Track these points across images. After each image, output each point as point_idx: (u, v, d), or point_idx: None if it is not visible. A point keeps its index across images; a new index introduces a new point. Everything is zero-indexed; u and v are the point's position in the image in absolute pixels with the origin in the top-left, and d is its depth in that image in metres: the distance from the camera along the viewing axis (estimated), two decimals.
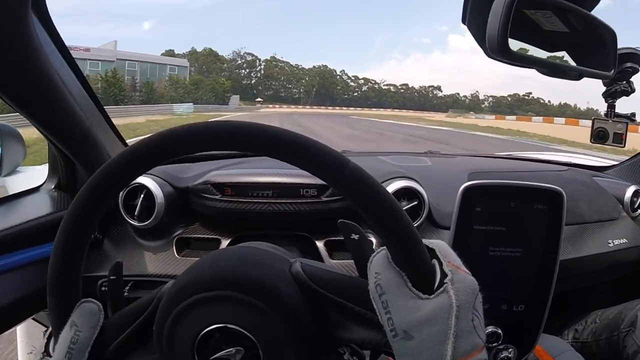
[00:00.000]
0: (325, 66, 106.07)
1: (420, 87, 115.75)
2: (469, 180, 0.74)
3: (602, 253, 1.07)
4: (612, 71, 0.78)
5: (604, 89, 0.97)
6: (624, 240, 1.13)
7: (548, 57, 0.63)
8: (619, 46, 0.86)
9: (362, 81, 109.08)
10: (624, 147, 0.95)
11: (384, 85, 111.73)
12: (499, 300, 0.78)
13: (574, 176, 1.26)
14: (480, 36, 0.61)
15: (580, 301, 1.19)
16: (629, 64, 0.91)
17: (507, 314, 0.78)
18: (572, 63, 0.68)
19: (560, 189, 0.74)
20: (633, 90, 0.95)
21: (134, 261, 0.87)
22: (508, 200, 0.74)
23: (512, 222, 0.74)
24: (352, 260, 0.85)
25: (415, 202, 0.88)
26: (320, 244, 0.88)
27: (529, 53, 0.60)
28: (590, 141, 0.97)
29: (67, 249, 0.45)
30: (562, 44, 0.67)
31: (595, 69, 0.73)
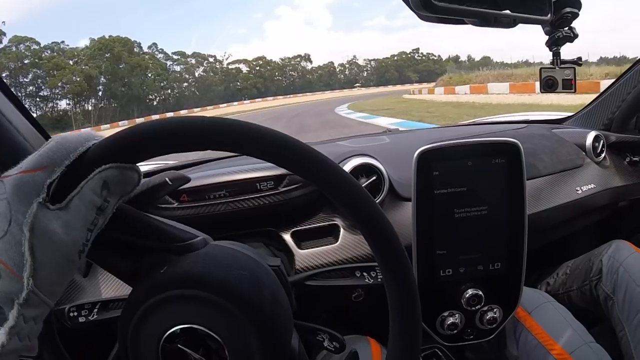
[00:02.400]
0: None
1: (282, 60, 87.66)
2: None
3: (572, 201, 1.08)
4: (549, 15, 0.77)
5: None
6: (592, 186, 1.14)
7: (478, 5, 0.61)
8: None
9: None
10: (575, 92, 0.95)
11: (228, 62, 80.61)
12: (474, 262, 0.77)
13: (533, 131, 1.27)
14: None
15: (558, 254, 1.20)
16: (567, 9, 0.90)
17: (485, 275, 0.78)
18: (505, 10, 0.67)
19: (515, 140, 0.73)
20: (576, 36, 0.95)
21: (105, 285, 0.83)
22: (464, 159, 0.72)
23: (472, 181, 0.73)
24: (321, 248, 0.84)
25: (374, 178, 0.87)
26: (286, 236, 0.86)
27: (456, 4, 0.58)
28: (540, 91, 0.96)
29: None
30: None
31: (531, 14, 0.72)
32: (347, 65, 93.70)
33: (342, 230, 0.87)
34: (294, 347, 0.54)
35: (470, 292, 0.77)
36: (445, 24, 0.69)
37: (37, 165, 0.34)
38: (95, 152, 0.36)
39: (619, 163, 1.28)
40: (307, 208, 0.87)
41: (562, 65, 0.96)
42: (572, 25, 0.94)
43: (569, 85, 0.95)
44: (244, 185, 0.84)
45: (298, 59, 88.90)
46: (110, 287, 0.83)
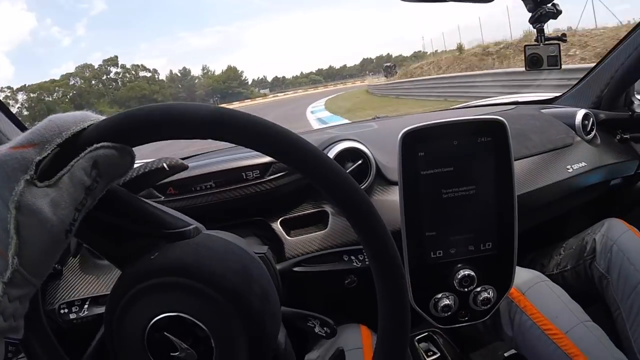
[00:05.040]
0: None
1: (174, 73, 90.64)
2: None
3: (563, 180, 1.07)
4: None
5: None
6: (583, 164, 1.13)
7: None
8: None
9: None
10: (560, 68, 0.94)
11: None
12: (465, 242, 0.76)
13: (522, 112, 1.27)
14: None
15: (552, 234, 1.19)
16: None
17: (476, 255, 0.77)
18: None
19: (500, 117, 0.72)
20: (559, 12, 0.94)
21: (97, 282, 0.83)
22: (450, 139, 0.71)
23: (458, 160, 0.72)
24: (311, 235, 0.84)
25: (360, 162, 0.86)
26: (275, 225, 0.85)
27: None
28: (526, 68, 0.96)
29: None
30: None
31: None
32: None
33: (330, 216, 0.86)
34: (280, 342, 0.54)
35: (462, 272, 0.76)
36: (425, 2, 0.68)
37: (27, 142, 0.33)
38: (91, 132, 0.36)
39: (609, 141, 1.28)
40: (294, 195, 0.87)
41: (547, 42, 0.95)
42: (554, 1, 0.93)
43: (555, 62, 0.95)
44: (230, 175, 0.83)
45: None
46: (102, 284, 0.82)
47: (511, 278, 0.80)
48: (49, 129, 0.34)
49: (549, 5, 0.93)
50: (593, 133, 1.23)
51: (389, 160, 0.92)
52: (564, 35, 0.96)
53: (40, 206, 0.32)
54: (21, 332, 0.34)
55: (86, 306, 0.72)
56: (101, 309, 0.71)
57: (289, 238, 0.84)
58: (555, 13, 0.94)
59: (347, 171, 0.68)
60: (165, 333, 0.42)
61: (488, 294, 0.79)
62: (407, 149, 0.70)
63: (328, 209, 0.87)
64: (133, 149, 0.38)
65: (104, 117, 0.37)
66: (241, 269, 0.45)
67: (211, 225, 0.50)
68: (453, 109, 1.55)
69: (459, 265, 0.77)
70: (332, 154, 0.85)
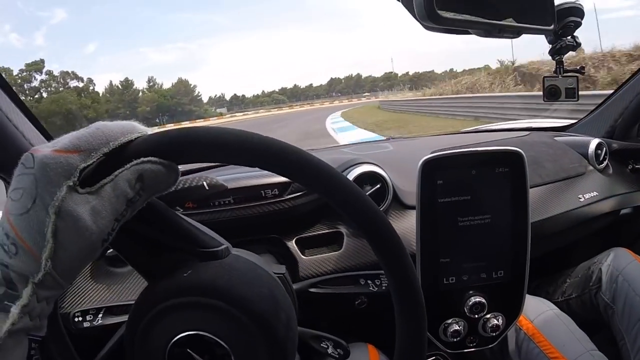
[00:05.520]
0: None
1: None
2: None
3: (574, 209, 1.08)
4: (552, 25, 0.77)
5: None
6: (595, 193, 1.14)
7: (483, 16, 0.62)
8: (558, 1, 0.87)
9: None
10: (578, 100, 0.95)
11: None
12: (478, 270, 0.77)
13: (535, 139, 1.27)
14: (411, 7, 0.60)
15: (558, 261, 1.20)
16: (571, 18, 0.91)
17: (488, 282, 0.78)
18: (510, 21, 0.67)
19: (518, 149, 0.73)
20: (579, 45, 0.95)
21: (108, 291, 0.83)
22: (468, 168, 0.73)
23: (476, 189, 0.74)
24: (325, 255, 0.85)
25: (379, 186, 0.87)
26: (290, 244, 0.86)
27: (460, 15, 0.59)
28: (544, 100, 0.97)
29: None
30: (497, 1, 0.67)
31: (535, 25, 0.73)
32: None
33: (345, 237, 0.87)
34: None
35: (473, 299, 0.77)
36: (449, 34, 0.69)
37: (73, 147, 0.33)
38: (139, 144, 0.36)
39: (621, 170, 1.28)
40: (311, 215, 0.88)
41: (565, 74, 0.96)
42: (574, 34, 0.95)
43: (572, 94, 0.96)
44: (249, 192, 0.84)
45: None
46: (114, 292, 0.83)
47: (521, 306, 0.81)
48: (96, 136, 0.34)
49: (569, 38, 0.94)
50: (605, 162, 1.23)
51: (405, 184, 0.93)
52: (582, 68, 0.98)
53: (81, 213, 0.32)
54: (44, 331, 0.35)
55: (100, 315, 0.73)
56: (115, 319, 0.72)
57: (303, 257, 0.85)
58: (575, 46, 0.95)
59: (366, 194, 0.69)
60: (188, 350, 0.43)
61: (497, 320, 0.80)
62: (426, 177, 0.71)
63: (343, 229, 0.88)
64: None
65: (150, 130, 0.38)
66: (269, 295, 0.46)
67: (226, 240, 0.51)
68: (466, 132, 1.56)
69: (471, 292, 0.78)
70: (351, 176, 0.86)
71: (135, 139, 0.36)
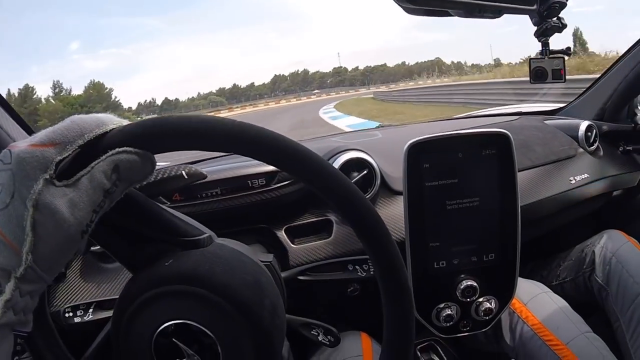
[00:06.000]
0: None
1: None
2: None
3: (565, 191, 1.08)
4: (535, 5, 0.77)
5: None
6: (586, 175, 1.14)
7: None
8: None
9: None
10: (564, 81, 0.95)
11: None
12: (468, 253, 0.77)
13: (525, 123, 1.27)
14: None
15: (552, 245, 1.20)
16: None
17: (479, 266, 0.78)
18: (491, 0, 0.67)
19: (505, 130, 0.73)
20: (564, 26, 0.95)
21: (99, 286, 0.83)
22: (455, 151, 0.73)
23: (463, 172, 0.73)
24: (315, 243, 0.85)
25: (366, 172, 0.87)
26: (280, 233, 0.86)
27: None
28: (530, 81, 0.96)
29: None
30: None
31: (517, 4, 0.72)
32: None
33: (335, 225, 0.87)
34: (284, 356, 0.54)
35: (465, 283, 0.77)
36: (430, 16, 0.69)
37: (48, 141, 0.33)
38: (114, 135, 0.36)
39: (612, 152, 1.29)
40: (299, 204, 0.87)
41: (552, 56, 0.96)
42: (560, 15, 0.94)
43: (559, 76, 0.95)
44: (236, 183, 0.83)
45: None
46: (106, 288, 0.83)
47: (513, 289, 0.81)
48: (71, 129, 0.34)
49: (554, 19, 0.93)
50: (596, 145, 1.23)
51: (394, 170, 0.93)
52: (568, 49, 0.97)
53: (58, 205, 0.32)
54: (30, 326, 0.35)
55: (91, 310, 0.73)
56: (105, 314, 0.72)
57: (293, 246, 0.85)
58: (561, 27, 0.94)
59: (352, 181, 0.69)
60: (173, 339, 0.42)
61: (490, 304, 0.80)
62: (412, 161, 0.71)
63: (332, 217, 0.87)
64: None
65: (126, 121, 0.37)
66: (253, 282, 0.45)
67: (215, 232, 0.51)
68: (456, 118, 1.56)
69: (462, 276, 0.77)
70: (337, 163, 0.86)
71: (111, 130, 0.36)
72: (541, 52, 0.96)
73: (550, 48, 0.97)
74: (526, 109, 1.61)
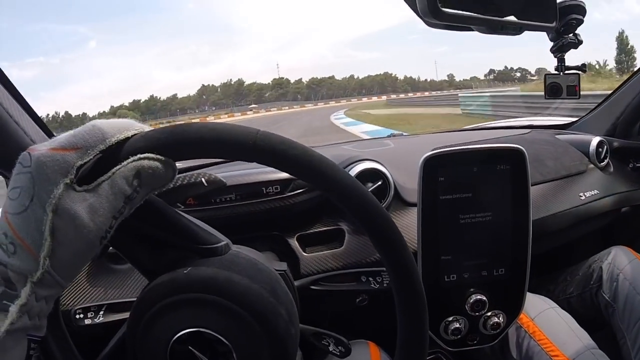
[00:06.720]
0: None
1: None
2: None
3: (575, 207, 1.07)
4: (554, 22, 0.77)
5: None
6: (596, 191, 1.14)
7: (484, 13, 0.62)
8: None
9: None
10: (579, 98, 0.95)
11: None
12: (479, 267, 0.77)
13: (537, 136, 1.27)
14: (413, 3, 0.60)
15: (559, 260, 1.20)
16: (572, 16, 0.91)
17: (489, 280, 0.78)
18: (512, 17, 0.67)
19: (520, 146, 0.73)
20: (580, 42, 0.95)
21: (110, 288, 0.83)
22: (470, 165, 0.73)
23: (477, 187, 0.74)
24: (326, 252, 0.85)
25: (380, 183, 0.87)
26: (292, 241, 0.86)
27: (462, 11, 0.58)
28: (545, 97, 0.96)
29: None
30: None
31: (536, 22, 0.72)
32: None
33: (347, 234, 0.87)
34: None
35: (474, 297, 0.77)
36: (451, 31, 0.69)
37: (69, 145, 0.33)
38: (136, 141, 0.36)
39: (622, 169, 1.28)
40: (312, 212, 0.87)
41: (567, 72, 0.96)
42: (576, 31, 0.94)
43: (573, 92, 0.96)
44: (250, 189, 0.83)
45: None
46: (116, 290, 0.83)
47: (521, 304, 0.81)
48: (93, 134, 0.34)
49: (571, 35, 0.94)
50: (606, 161, 1.23)
51: (407, 182, 0.93)
52: (584, 65, 0.97)
53: (78, 211, 0.32)
54: (44, 331, 0.35)
55: (102, 312, 0.73)
56: (116, 317, 0.72)
57: (305, 254, 0.85)
58: (577, 43, 0.95)
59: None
60: (189, 347, 0.43)
61: (498, 318, 0.80)
62: (428, 174, 0.71)
63: (345, 227, 0.87)
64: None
65: (148, 127, 0.38)
66: (270, 291, 0.45)
67: (227, 237, 0.51)
68: (468, 129, 1.56)
69: (472, 290, 0.78)
70: (353, 173, 0.86)
71: (132, 136, 0.36)
72: (557, 68, 0.97)
73: (566, 64, 0.98)
74: (538, 122, 1.61)
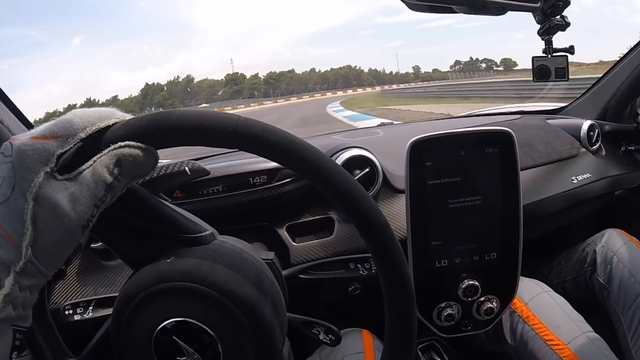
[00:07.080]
0: None
1: None
2: None
3: (567, 190, 1.07)
4: (539, 3, 0.76)
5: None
6: (588, 175, 1.14)
7: None
8: None
9: None
10: (567, 80, 0.94)
11: None
12: (470, 252, 0.77)
13: (527, 122, 1.27)
14: None
15: (553, 244, 1.20)
16: None
17: (481, 265, 0.77)
18: None
19: (507, 128, 0.73)
20: (568, 24, 0.94)
21: (100, 284, 0.83)
22: (457, 149, 0.72)
23: (465, 171, 0.73)
24: (316, 241, 0.84)
25: (368, 170, 0.86)
26: (281, 231, 0.85)
27: None
28: (534, 80, 0.96)
29: None
30: None
31: (520, 1, 0.72)
32: None
33: (336, 223, 0.87)
34: (284, 354, 0.54)
35: (466, 282, 0.77)
36: (434, 13, 0.68)
37: (50, 134, 0.33)
38: (117, 129, 0.36)
39: (614, 152, 1.28)
40: (301, 202, 0.87)
41: (555, 54, 0.95)
42: (563, 13, 0.93)
43: (562, 74, 0.95)
44: (237, 180, 0.83)
45: None
46: (106, 285, 0.82)
47: (515, 288, 0.80)
48: (73, 122, 0.34)
49: (558, 17, 0.93)
50: (598, 144, 1.23)
51: (396, 169, 0.93)
52: (571, 47, 0.96)
53: (59, 199, 0.32)
54: (29, 321, 0.35)
55: (91, 308, 0.73)
56: (105, 311, 0.71)
57: (294, 244, 0.84)
58: (564, 25, 0.94)
59: (355, 178, 0.68)
60: (173, 337, 0.42)
61: (491, 303, 0.79)
62: (414, 159, 0.71)
63: (334, 215, 0.87)
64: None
65: (129, 115, 0.37)
66: (255, 280, 0.45)
67: (216, 229, 0.50)
68: (458, 117, 1.56)
69: (464, 275, 0.77)
70: (339, 161, 0.85)
71: (113, 124, 0.36)
72: (544, 51, 0.96)
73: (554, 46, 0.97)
74: (528, 108, 1.61)
